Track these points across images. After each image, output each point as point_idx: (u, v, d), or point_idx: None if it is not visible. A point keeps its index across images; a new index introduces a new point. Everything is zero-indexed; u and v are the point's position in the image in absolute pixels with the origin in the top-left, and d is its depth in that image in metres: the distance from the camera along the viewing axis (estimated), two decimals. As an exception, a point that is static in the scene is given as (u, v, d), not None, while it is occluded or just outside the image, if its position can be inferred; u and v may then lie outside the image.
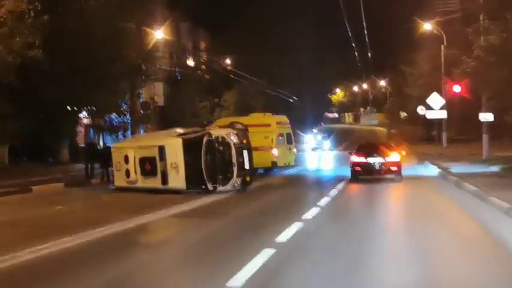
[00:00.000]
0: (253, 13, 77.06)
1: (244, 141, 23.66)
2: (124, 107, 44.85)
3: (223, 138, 23.28)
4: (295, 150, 35.59)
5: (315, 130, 73.90)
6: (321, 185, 27.88)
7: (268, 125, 32.75)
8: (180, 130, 25.49)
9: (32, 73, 29.33)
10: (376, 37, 72.31)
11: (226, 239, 13.25)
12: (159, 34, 51.95)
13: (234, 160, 23.08)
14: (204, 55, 75.97)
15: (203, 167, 22.76)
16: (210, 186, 22.82)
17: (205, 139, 23.10)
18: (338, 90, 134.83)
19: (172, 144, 23.38)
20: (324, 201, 19.59)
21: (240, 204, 20.35)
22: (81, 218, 16.82)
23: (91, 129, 47.07)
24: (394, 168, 26.27)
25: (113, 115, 44.43)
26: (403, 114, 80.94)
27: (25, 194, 24.07)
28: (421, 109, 51.80)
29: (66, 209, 19.49)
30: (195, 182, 22.95)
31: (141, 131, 50.32)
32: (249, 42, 73.57)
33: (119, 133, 44.44)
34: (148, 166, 23.81)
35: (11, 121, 31.22)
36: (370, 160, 26.60)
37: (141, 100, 51.85)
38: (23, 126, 36.50)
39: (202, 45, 78.15)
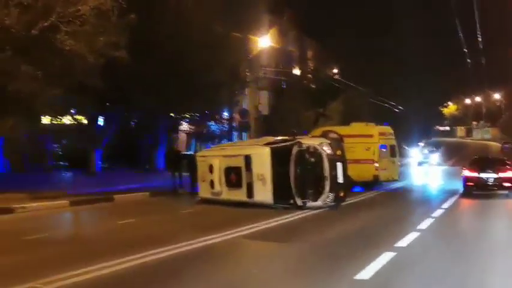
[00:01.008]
0: (362, 22, 73.94)
1: (339, 153, 20.93)
2: (223, 115, 43.01)
3: (315, 148, 20.72)
4: (399, 163, 32.33)
5: (421, 143, 69.82)
6: (425, 203, 24.97)
7: (371, 136, 29.91)
8: (269, 138, 22.98)
9: (120, 76, 27.56)
10: (491, 46, 67.72)
11: (297, 271, 10.80)
12: (264, 41, 50.34)
13: (327, 173, 20.46)
14: (311, 64, 73.50)
15: (292, 180, 20.35)
16: (299, 202, 20.36)
17: (294, 149, 20.67)
18: (450, 103, 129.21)
19: (259, 154, 21.05)
20: (425, 223, 16.77)
21: (326, 224, 17.65)
22: (144, 235, 14.75)
23: (192, 137, 45.61)
24: (508, 185, 25.46)
25: (212, 123, 42.66)
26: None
27: (106, 203, 22.41)
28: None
29: (136, 222, 17.49)
30: (283, 196, 20.53)
31: (242, 139, 48.32)
32: (356, 51, 70.70)
33: (216, 141, 42.50)
34: (233, 177, 21.57)
35: (102, 126, 29.86)
36: (483, 175, 25.83)
37: (242, 107, 49.80)
38: (116, 132, 35.44)
39: (309, 54, 75.74)
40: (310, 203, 20.47)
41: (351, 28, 73.64)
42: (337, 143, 21.47)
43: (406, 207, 23.38)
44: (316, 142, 21.02)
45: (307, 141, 21.19)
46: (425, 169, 53.47)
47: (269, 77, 63.90)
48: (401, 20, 73.75)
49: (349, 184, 22.41)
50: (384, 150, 30.04)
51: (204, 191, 22.78)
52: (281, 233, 15.85)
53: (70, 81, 22.88)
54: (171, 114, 37.71)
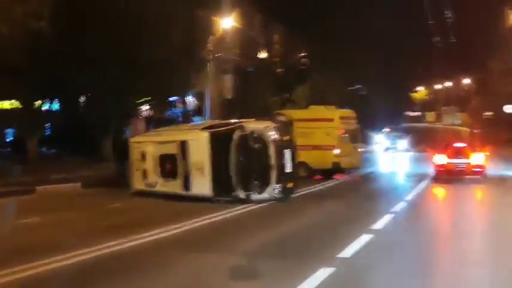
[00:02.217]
0: (329, 4, 70.85)
1: (287, 138, 17.99)
2: (181, 98, 39.97)
3: (259, 133, 17.81)
4: (362, 150, 29.32)
5: (386, 129, 66.96)
6: (389, 193, 22.28)
7: (331, 120, 26.92)
8: (212, 122, 20.01)
9: (49, 53, 24.19)
10: (461, 30, 65.18)
11: None
12: (226, 22, 47.47)
13: (273, 162, 17.56)
14: (278, 48, 70.57)
15: (232, 170, 17.47)
16: (241, 194, 17.51)
17: (236, 134, 17.75)
18: (420, 88, 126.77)
19: (197, 140, 18.11)
20: (381, 223, 14.01)
21: (266, 222, 14.86)
22: (39, 240, 11.82)
23: (151, 124, 42.38)
24: (478, 170, 25.00)
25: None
26: (488, 114, 73.64)
27: (25, 196, 19.35)
28: (509, 108, 45.14)
29: (41, 221, 14.50)
30: (225, 188, 17.65)
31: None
32: (324, 34, 67.67)
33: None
34: (168, 166, 18.66)
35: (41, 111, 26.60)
36: (454, 161, 25.41)
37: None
38: (64, 117, 32.42)
39: (276, 38, 72.77)
40: (255, 196, 17.60)
41: (319, 12, 70.33)
42: (286, 127, 18.57)
43: (365, 200, 20.38)
44: (260, 126, 18.05)
45: (251, 125, 18.20)
46: (393, 155, 50.79)
47: (233, 60, 61.16)
48: (371, 2, 70.18)
49: (298, 174, 19.22)
50: (345, 135, 27.10)
51: (137, 182, 19.77)
52: (207, 236, 12.96)
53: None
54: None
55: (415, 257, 10.67)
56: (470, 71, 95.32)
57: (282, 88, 62.19)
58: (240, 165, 17.61)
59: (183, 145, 18.13)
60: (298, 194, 19.39)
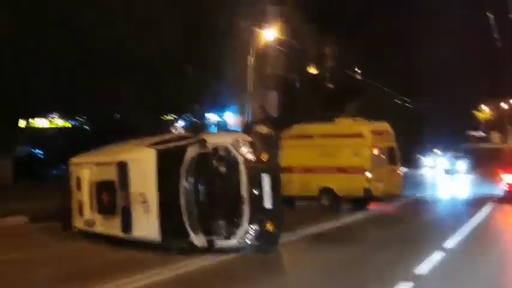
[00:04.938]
0: (386, 16, 64.33)
1: (265, 158, 11.78)
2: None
3: (226, 150, 11.77)
4: (401, 172, 22.51)
5: (437, 150, 60.10)
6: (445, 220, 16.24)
7: (360, 135, 20.54)
8: (165, 136, 13.86)
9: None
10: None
11: None
12: (269, 34, 42.34)
13: (244, 192, 11.48)
14: (329, 62, 64.60)
15: (182, 203, 11.47)
16: (198, 240, 11.48)
17: (191, 151, 11.75)
18: (484, 107, 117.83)
19: (139, 160, 12.15)
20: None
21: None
22: None
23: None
24: None
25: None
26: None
27: None
28: None
29: None
30: (178, 230, 11.60)
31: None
32: (380, 48, 61.54)
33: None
34: (105, 197, 12.68)
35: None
36: None
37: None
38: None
39: (328, 51, 66.75)
40: (219, 242, 11.54)
41: (375, 24, 63.87)
42: (266, 141, 12.11)
43: (402, 241, 13.92)
44: (227, 140, 11.88)
45: (215, 139, 12.10)
46: (452, 178, 44.06)
47: (278, 75, 55.63)
48: (431, 17, 63.00)
49: (283, 210, 12.72)
50: (380, 155, 20.70)
51: (76, 218, 13.81)
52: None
53: None
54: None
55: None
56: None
57: (331, 104, 56.16)
58: (199, 197, 11.62)
59: (121, 168, 12.21)
60: (310, 233, 13.84)
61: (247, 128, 13.08)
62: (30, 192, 22.53)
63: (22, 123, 30.80)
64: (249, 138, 11.75)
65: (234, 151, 11.58)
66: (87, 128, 33.28)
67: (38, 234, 14.86)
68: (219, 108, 40.73)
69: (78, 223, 13.57)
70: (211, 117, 41.33)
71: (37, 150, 37.73)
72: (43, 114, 32.12)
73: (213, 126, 36.68)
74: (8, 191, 23.18)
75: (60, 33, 22.47)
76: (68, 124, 32.99)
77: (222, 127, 38.32)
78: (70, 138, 31.53)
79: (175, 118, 37.89)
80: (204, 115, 39.96)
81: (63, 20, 22.66)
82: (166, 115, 35.28)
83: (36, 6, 21.28)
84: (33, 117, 32.88)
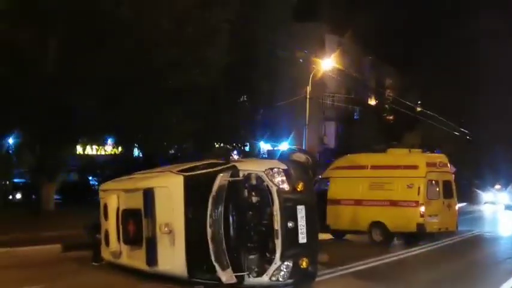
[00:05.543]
0: (446, 47, 62.46)
1: (300, 188, 10.72)
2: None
3: (258, 179, 10.76)
4: (457, 207, 20.97)
5: (498, 185, 57.20)
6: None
7: (415, 167, 19.22)
8: (196, 163, 12.80)
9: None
10: None
11: None
12: (326, 63, 41.55)
13: (277, 224, 10.43)
14: (389, 93, 63.13)
15: (209, 236, 10.48)
16: (226, 276, 10.40)
17: (220, 179, 10.78)
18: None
19: (166, 187, 11.22)
20: None
21: None
22: None
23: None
24: None
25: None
26: None
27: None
28: None
29: None
30: (205, 264, 10.60)
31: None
32: (439, 79, 59.78)
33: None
34: (131, 227, 11.79)
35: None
36: None
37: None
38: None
39: (387, 82, 65.30)
40: (249, 279, 10.48)
41: (435, 55, 61.99)
42: (301, 170, 11.04)
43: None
44: (261, 168, 10.87)
45: (247, 166, 11.12)
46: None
47: (337, 105, 54.64)
48: (491, 44, 60.45)
49: (319, 245, 11.48)
50: (435, 188, 19.32)
51: (103, 248, 12.99)
52: None
53: None
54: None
55: None
56: None
57: (389, 135, 54.49)
58: (228, 228, 10.62)
59: (147, 195, 11.31)
60: (355, 269, 12.80)
61: (283, 156, 11.87)
62: (73, 218, 21.96)
63: (74, 149, 30.66)
64: (285, 166, 10.71)
65: (267, 179, 10.55)
66: (139, 155, 32.80)
67: (68, 264, 14.06)
68: (275, 139, 39.81)
69: (106, 254, 12.77)
70: (266, 146, 40.44)
71: (90, 177, 37.79)
72: (95, 140, 31.74)
73: (263, 155, 35.50)
74: (50, 216, 22.75)
75: (113, 60, 21.94)
76: (119, 151, 32.56)
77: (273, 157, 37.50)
78: (121, 165, 30.97)
79: (228, 147, 37.07)
80: (258, 144, 39.12)
81: (117, 47, 22.21)
82: (220, 144, 34.40)
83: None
84: (85, 143, 32.78)
